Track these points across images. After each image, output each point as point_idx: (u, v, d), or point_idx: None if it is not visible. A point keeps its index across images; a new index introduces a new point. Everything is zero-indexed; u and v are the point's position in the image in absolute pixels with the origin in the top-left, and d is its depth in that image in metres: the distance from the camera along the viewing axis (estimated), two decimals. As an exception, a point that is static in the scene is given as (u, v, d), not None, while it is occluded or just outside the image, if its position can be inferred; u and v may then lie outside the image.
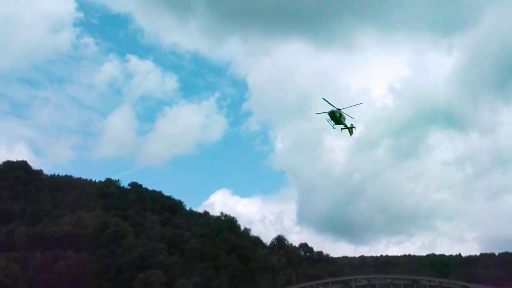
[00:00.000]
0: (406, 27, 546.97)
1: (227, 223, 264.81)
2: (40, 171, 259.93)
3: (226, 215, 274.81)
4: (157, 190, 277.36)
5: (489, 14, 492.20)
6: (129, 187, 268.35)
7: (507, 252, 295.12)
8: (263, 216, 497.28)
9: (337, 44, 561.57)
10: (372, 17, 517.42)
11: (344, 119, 78.78)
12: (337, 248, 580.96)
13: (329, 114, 76.30)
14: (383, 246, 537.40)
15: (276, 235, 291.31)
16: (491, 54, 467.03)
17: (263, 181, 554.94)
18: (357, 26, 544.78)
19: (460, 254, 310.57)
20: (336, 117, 76.72)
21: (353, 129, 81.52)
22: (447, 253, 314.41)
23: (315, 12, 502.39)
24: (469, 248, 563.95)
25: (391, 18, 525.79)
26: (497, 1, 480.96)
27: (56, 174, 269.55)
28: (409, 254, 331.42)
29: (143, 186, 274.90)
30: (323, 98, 74.43)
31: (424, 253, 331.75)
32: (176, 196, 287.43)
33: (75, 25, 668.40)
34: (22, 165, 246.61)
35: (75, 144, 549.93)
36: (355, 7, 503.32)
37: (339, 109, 76.03)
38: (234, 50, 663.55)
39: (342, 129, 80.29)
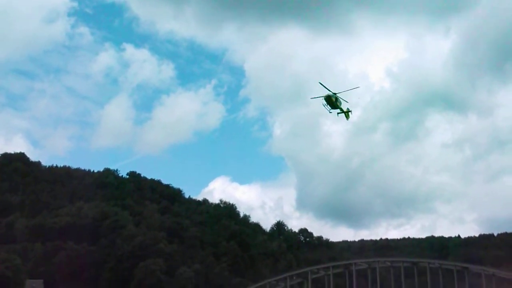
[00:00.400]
0: (403, 10, 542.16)
1: (227, 210, 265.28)
2: (38, 163, 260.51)
3: (225, 202, 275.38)
4: (155, 179, 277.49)
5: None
6: (127, 177, 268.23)
7: (506, 233, 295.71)
8: (263, 203, 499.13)
9: (334, 28, 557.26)
10: (369, 1, 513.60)
11: (341, 103, 78.42)
12: (337, 233, 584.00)
13: (325, 99, 75.93)
14: (383, 230, 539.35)
15: (276, 221, 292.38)
16: (488, 36, 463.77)
17: (262, 167, 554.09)
18: (354, 10, 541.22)
19: (459, 235, 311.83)
20: (332, 101, 76.37)
21: (350, 113, 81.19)
22: (446, 235, 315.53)
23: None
24: (469, 230, 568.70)
25: (388, 1, 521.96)
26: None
27: (54, 165, 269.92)
28: (409, 237, 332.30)
29: (142, 175, 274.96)
30: (319, 83, 74.08)
31: (424, 236, 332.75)
32: (175, 185, 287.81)
33: (69, 14, 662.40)
34: (20, 157, 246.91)
35: (73, 134, 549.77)
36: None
37: (335, 94, 75.84)
38: (231, 37, 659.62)
39: (338, 113, 79.88)
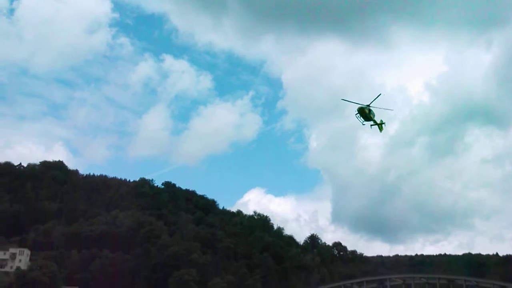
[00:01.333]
0: (442, 23, 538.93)
1: (260, 222, 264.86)
2: (76, 171, 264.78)
3: (259, 214, 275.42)
4: (190, 190, 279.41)
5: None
6: (162, 187, 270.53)
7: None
8: (298, 215, 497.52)
9: (372, 42, 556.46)
10: (408, 14, 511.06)
11: (374, 115, 77.88)
12: (372, 247, 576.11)
13: (358, 111, 75.66)
14: (419, 245, 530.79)
15: (310, 234, 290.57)
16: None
17: (297, 180, 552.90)
18: (392, 23, 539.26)
19: (497, 253, 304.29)
20: (365, 113, 75.92)
21: (383, 125, 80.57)
22: (484, 253, 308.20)
23: (349, 10, 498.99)
24: (508, 248, 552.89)
25: (427, 15, 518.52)
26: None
27: (92, 174, 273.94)
28: (445, 254, 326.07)
29: (177, 186, 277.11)
30: (342, 99, 74.37)
31: (461, 252, 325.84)
32: (210, 195, 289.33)
33: (110, 25, 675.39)
34: (59, 165, 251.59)
35: (111, 143, 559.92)
36: (390, 5, 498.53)
37: (368, 105, 75.34)
38: (269, 49, 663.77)
39: (371, 125, 79.43)
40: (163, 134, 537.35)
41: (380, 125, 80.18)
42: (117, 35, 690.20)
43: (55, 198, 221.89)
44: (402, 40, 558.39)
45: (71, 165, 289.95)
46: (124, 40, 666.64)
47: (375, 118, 78.05)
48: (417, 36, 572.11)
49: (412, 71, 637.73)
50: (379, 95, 73.80)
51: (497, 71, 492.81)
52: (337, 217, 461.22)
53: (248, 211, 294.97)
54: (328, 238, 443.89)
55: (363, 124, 77.43)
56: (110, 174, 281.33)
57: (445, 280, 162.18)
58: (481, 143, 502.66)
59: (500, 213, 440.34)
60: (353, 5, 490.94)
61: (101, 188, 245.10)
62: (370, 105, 75.11)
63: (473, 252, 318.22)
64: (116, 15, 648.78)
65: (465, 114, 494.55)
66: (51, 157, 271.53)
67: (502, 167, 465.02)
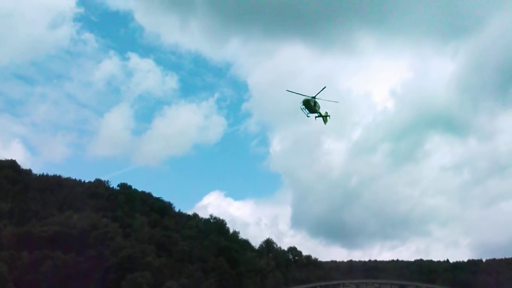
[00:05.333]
0: (409, 31, 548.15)
1: (216, 226, 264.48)
2: (29, 171, 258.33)
3: (215, 218, 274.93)
4: (146, 191, 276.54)
5: (492, 21, 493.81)
6: (118, 188, 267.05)
7: (495, 259, 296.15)
8: (258, 219, 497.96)
9: (339, 47, 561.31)
10: (374, 21, 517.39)
11: (319, 107, 78.08)
12: (330, 252, 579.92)
13: (303, 102, 75.53)
14: (376, 251, 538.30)
15: (265, 239, 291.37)
16: (492, 60, 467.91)
17: (258, 183, 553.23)
18: (359, 29, 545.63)
19: (448, 260, 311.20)
20: (311, 105, 75.99)
21: (328, 117, 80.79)
22: (441, 259, 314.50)
23: (316, 15, 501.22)
24: (461, 254, 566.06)
25: (393, 22, 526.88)
26: (500, 8, 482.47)
27: (45, 173, 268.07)
28: (397, 260, 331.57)
29: (133, 187, 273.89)
30: (287, 90, 74.13)
31: (417, 258, 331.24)
32: (170, 198, 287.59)
33: (74, 20, 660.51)
34: (11, 164, 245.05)
35: (70, 142, 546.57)
36: (356, 10, 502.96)
37: (314, 97, 75.39)
38: (236, 51, 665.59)
39: (316, 117, 79.62)
40: (125, 134, 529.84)
41: (325, 117, 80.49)
42: (81, 31, 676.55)
43: (6, 198, 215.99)
44: (368, 46, 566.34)
45: (28, 163, 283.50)
46: (88, 36, 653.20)
47: (320, 111, 78.24)
48: (383, 42, 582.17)
49: (378, 78, 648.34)
50: (323, 88, 74.19)
51: (460, 80, 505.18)
52: (296, 222, 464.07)
53: (207, 214, 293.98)
54: (288, 242, 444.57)
55: (308, 116, 77.78)
56: (68, 174, 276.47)
57: (397, 285, 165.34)
58: (441, 150, 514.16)
59: (456, 220, 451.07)
60: (321, 9, 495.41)
61: (54, 189, 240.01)
62: (316, 97, 75.18)
63: (429, 258, 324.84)
64: (81, 9, 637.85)
65: (427, 122, 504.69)
66: (7, 155, 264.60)
67: (460, 175, 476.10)
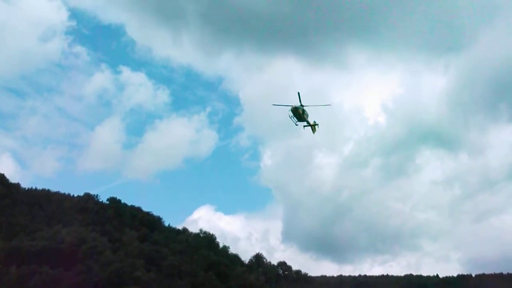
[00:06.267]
0: (400, 47, 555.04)
1: (206, 240, 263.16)
2: (18, 185, 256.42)
3: (205, 232, 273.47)
4: (135, 206, 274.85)
5: (483, 36, 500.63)
6: (107, 202, 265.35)
7: (484, 274, 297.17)
8: (249, 234, 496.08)
9: (330, 62, 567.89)
10: (366, 36, 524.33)
11: (307, 115, 78.11)
12: (320, 267, 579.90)
13: (291, 110, 75.56)
14: (367, 266, 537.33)
15: (255, 253, 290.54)
16: (483, 76, 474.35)
17: (249, 197, 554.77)
18: (350, 44, 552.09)
19: (437, 275, 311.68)
20: (299, 113, 76.05)
21: (316, 126, 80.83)
22: (431, 274, 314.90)
23: (308, 29, 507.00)
24: (452, 269, 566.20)
25: (385, 37, 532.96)
26: (491, 24, 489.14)
27: (34, 187, 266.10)
28: (388, 274, 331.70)
29: (122, 201, 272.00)
30: (273, 104, 74.46)
31: (408, 273, 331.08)
32: (160, 212, 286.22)
33: (66, 33, 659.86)
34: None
35: (60, 156, 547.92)
36: (348, 26, 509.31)
37: (303, 106, 75.44)
38: (228, 65, 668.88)
39: (304, 126, 79.79)
40: (115, 148, 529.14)
41: (313, 126, 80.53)
42: (72, 44, 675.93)
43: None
44: (360, 61, 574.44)
45: (17, 177, 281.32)
46: (80, 49, 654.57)
47: (309, 119, 78.23)
48: (375, 57, 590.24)
49: (370, 92, 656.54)
50: (299, 94, 74.25)
51: (451, 95, 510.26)
52: (287, 236, 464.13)
53: (197, 228, 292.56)
54: (278, 257, 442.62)
55: (296, 125, 78.07)
56: (58, 188, 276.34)
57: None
58: (432, 165, 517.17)
59: (446, 235, 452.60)
60: (312, 24, 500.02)
61: (43, 203, 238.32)
62: (304, 105, 75.18)
63: (419, 273, 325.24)
64: (73, 23, 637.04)
65: (419, 137, 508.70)
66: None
67: (451, 190, 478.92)
